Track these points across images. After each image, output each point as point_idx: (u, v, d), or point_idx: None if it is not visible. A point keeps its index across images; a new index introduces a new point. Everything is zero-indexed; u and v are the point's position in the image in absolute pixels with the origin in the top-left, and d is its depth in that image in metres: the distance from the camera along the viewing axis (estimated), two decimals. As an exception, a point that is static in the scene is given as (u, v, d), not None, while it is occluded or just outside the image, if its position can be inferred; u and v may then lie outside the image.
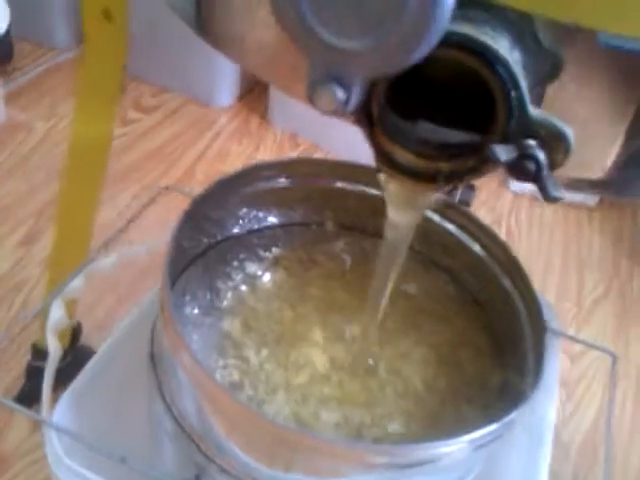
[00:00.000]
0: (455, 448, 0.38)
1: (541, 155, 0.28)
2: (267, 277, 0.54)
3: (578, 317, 1.15)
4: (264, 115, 1.41)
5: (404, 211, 0.36)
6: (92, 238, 0.66)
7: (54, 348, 0.56)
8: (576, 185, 0.39)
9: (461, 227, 0.54)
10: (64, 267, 0.66)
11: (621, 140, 0.34)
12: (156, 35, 1.34)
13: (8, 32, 1.33)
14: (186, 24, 0.40)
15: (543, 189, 0.27)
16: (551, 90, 0.32)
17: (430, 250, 0.56)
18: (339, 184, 0.57)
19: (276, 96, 1.36)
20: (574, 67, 0.32)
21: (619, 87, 0.33)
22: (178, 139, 1.31)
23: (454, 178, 0.31)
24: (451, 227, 0.54)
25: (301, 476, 0.40)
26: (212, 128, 1.36)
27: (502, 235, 1.35)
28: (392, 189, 0.34)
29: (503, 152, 0.27)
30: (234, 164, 1.28)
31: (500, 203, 1.34)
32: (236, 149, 1.31)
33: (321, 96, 0.28)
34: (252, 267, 0.54)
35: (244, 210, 0.55)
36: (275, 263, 0.55)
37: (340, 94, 0.28)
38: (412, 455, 0.37)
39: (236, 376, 0.45)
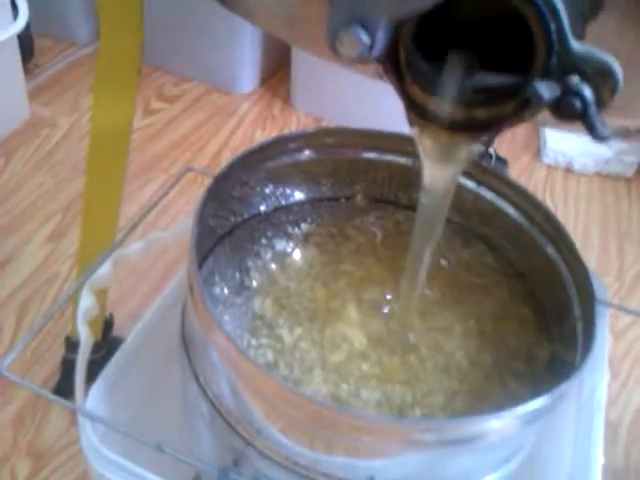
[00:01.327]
0: (504, 423, 0.36)
1: (587, 91, 0.25)
2: (297, 254, 0.52)
3: (620, 292, 1.11)
4: (287, 99, 1.39)
5: (441, 167, 0.34)
6: (120, 229, 0.65)
7: (85, 336, 0.55)
8: (624, 132, 0.36)
9: (498, 193, 0.51)
10: (92, 258, 0.65)
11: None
12: (176, 24, 1.33)
13: (28, 29, 1.32)
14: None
15: (591, 128, 0.25)
16: (593, 28, 0.30)
17: (466, 219, 0.54)
18: (367, 154, 0.54)
19: (299, 79, 1.34)
20: (616, 2, 0.29)
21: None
22: (202, 127, 1.30)
23: (492, 126, 0.29)
24: (487, 193, 0.52)
25: (343, 458, 0.38)
26: (235, 114, 1.34)
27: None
28: (426, 143, 0.32)
29: (546, 89, 0.24)
30: (259, 150, 1.26)
31: (534, 177, 1.30)
32: (260, 134, 1.30)
33: (344, 41, 0.26)
34: (281, 244, 0.52)
35: (270, 186, 0.53)
36: (305, 240, 0.53)
37: (364, 38, 0.26)
38: (460, 431, 0.35)
39: (270, 356, 0.44)
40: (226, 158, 1.22)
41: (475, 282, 0.51)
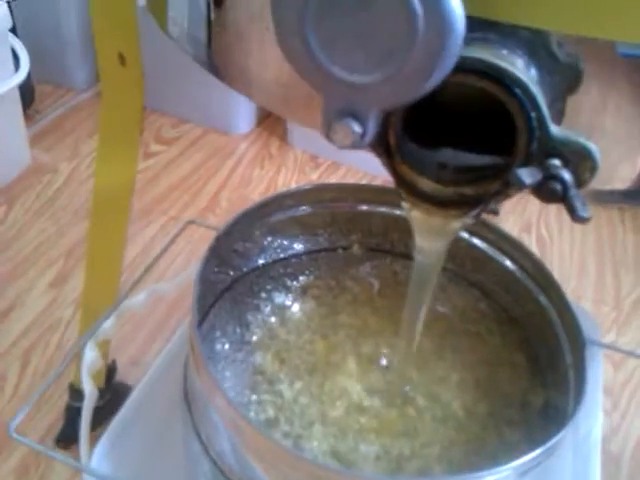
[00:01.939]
0: (500, 477, 0.37)
1: (567, 175, 0.27)
2: (296, 307, 0.53)
3: (618, 320, 1.12)
4: (284, 138, 1.42)
5: (431, 238, 0.35)
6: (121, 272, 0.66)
7: (90, 390, 0.56)
8: (601, 196, 0.38)
9: (490, 242, 0.53)
10: (95, 307, 0.66)
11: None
12: (172, 67, 1.35)
13: (29, 76, 1.35)
14: (200, 65, 0.41)
15: (572, 209, 0.26)
16: (572, 104, 0.32)
17: (460, 267, 0.55)
18: (363, 207, 0.56)
19: (294, 118, 1.36)
20: (593, 79, 0.31)
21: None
22: (201, 168, 1.32)
23: (479, 203, 0.31)
24: (480, 243, 0.53)
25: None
26: (233, 155, 1.37)
27: (533, 241, 1.32)
28: (417, 217, 0.34)
29: (527, 175, 0.26)
30: (257, 189, 1.28)
31: (528, 209, 1.32)
32: (258, 173, 1.32)
33: (337, 132, 0.27)
34: (280, 297, 0.53)
35: (269, 239, 0.54)
36: (303, 292, 0.54)
37: (356, 128, 0.27)
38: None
39: (271, 412, 0.45)
40: (225, 199, 1.24)
41: (469, 329, 0.52)
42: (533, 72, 0.29)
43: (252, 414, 0.45)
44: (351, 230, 0.57)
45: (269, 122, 1.47)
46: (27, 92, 1.36)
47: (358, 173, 1.35)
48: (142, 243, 1.10)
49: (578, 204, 0.26)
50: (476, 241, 0.54)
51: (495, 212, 1.19)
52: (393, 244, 0.57)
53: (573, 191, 0.27)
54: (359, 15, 0.24)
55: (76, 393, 0.79)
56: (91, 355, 0.56)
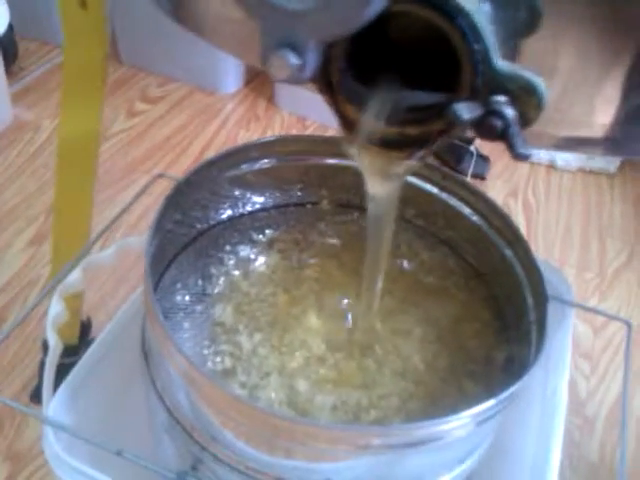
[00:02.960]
0: (455, 425, 0.37)
1: (508, 111, 0.26)
2: (261, 261, 0.52)
3: (601, 287, 1.12)
4: (271, 99, 1.40)
5: (380, 182, 0.34)
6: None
7: (54, 343, 0.56)
8: (572, 144, 0.37)
9: (460, 198, 0.52)
10: (64, 259, 0.65)
11: (618, 94, 0.32)
12: (159, 25, 1.33)
13: (12, 32, 1.33)
14: (165, 14, 0.39)
15: (511, 146, 0.26)
16: (530, 43, 0.30)
17: (429, 223, 0.54)
18: (333, 161, 0.55)
19: (282, 79, 1.34)
20: (553, 18, 0.30)
21: (606, 37, 0.31)
22: (186, 128, 1.30)
23: (424, 143, 0.30)
24: (449, 198, 0.52)
25: (299, 462, 0.39)
26: (219, 115, 1.35)
27: (519, 207, 1.31)
28: (363, 159, 0.33)
29: (466, 110, 0.25)
30: (243, 150, 1.27)
31: (517, 174, 1.31)
32: (244, 135, 1.30)
33: (274, 64, 0.26)
34: (245, 251, 0.53)
35: (235, 192, 0.53)
36: (269, 246, 0.53)
37: (293, 60, 0.26)
38: (409, 435, 0.36)
39: (228, 362, 0.44)
40: (209, 159, 1.23)
41: (437, 285, 0.52)
42: (487, 6, 0.28)
43: (209, 364, 0.44)
44: (321, 185, 0.56)
45: (256, 83, 1.45)
46: (10, 48, 1.33)
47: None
48: (124, 202, 1.08)
49: (518, 141, 0.25)
50: (446, 197, 0.53)
51: (482, 177, 1.19)
52: (363, 200, 0.56)
53: (514, 128, 0.26)
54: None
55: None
56: (56, 307, 0.56)
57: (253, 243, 0.53)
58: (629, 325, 0.56)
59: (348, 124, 0.30)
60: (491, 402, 0.37)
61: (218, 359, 0.44)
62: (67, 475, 0.43)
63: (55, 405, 0.46)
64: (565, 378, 0.53)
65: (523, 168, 1.33)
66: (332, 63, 0.28)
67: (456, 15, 0.25)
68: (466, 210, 0.52)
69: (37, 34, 1.46)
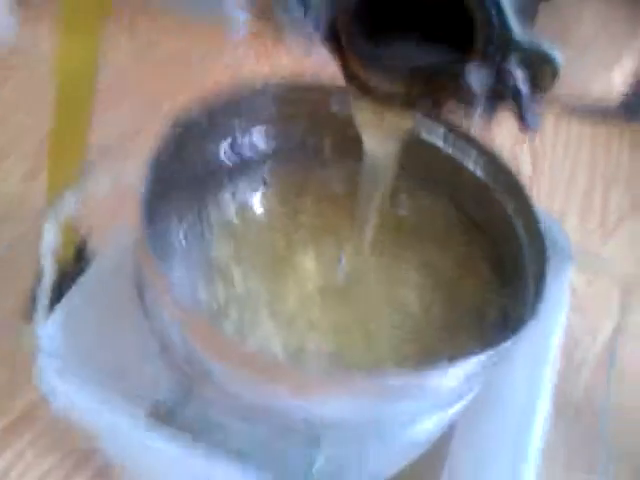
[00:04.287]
0: (445, 376, 0.37)
1: (521, 80, 0.24)
2: (259, 203, 0.52)
3: (602, 237, 1.11)
4: (280, 29, 1.35)
5: (380, 140, 0.33)
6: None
7: (48, 271, 0.56)
8: (586, 111, 0.36)
9: (462, 149, 0.51)
10: (60, 189, 0.65)
11: (635, 62, 0.31)
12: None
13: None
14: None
15: (521, 118, 0.24)
16: (547, 10, 0.29)
17: (430, 173, 0.53)
18: (339, 108, 0.54)
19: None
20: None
21: (626, 5, 0.29)
22: (188, 55, 1.26)
23: (431, 104, 0.28)
24: (452, 149, 0.51)
25: (286, 400, 0.39)
26: (225, 43, 1.31)
27: (525, 153, 1.29)
28: (365, 117, 0.31)
29: (477, 77, 0.24)
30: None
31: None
32: (249, 65, 1.26)
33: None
34: (244, 193, 0.52)
35: (236, 132, 0.52)
36: (268, 188, 0.53)
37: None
38: (399, 384, 0.36)
39: (222, 303, 0.44)
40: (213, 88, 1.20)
41: (435, 236, 0.51)
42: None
43: (203, 305, 0.44)
44: (323, 132, 0.55)
45: (267, 10, 1.39)
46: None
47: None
48: (122, 127, 1.06)
49: (529, 113, 0.24)
50: (449, 149, 0.52)
51: (489, 121, 1.17)
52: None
53: (526, 98, 0.25)
54: None
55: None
56: (50, 235, 0.55)
57: (252, 185, 0.52)
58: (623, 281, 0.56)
59: (353, 79, 0.29)
60: (482, 357, 0.37)
61: (212, 300, 0.44)
62: (59, 400, 0.43)
63: (48, 330, 0.46)
64: (558, 333, 0.53)
65: (532, 113, 1.30)
66: (339, 18, 0.26)
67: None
68: (470, 164, 0.51)
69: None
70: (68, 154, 0.63)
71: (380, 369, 0.43)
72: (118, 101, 1.12)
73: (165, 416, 0.40)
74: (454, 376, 0.38)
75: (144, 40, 1.30)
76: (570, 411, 0.86)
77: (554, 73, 0.25)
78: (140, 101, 1.14)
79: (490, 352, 0.36)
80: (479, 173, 0.50)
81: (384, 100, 0.29)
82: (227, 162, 0.52)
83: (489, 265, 0.50)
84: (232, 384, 0.39)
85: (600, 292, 1.01)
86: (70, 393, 0.42)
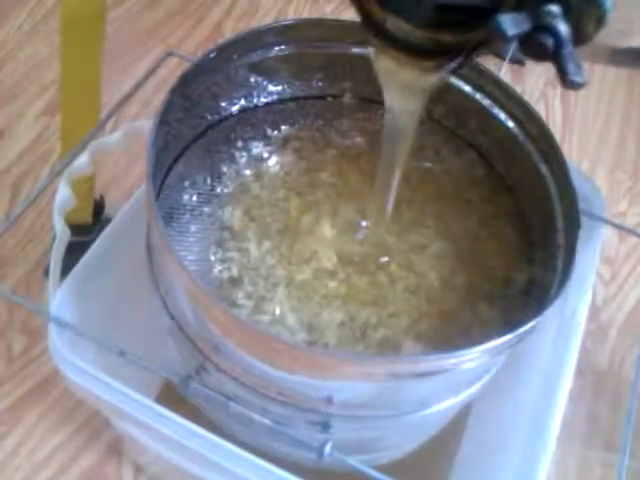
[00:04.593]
0: (466, 359, 0.35)
1: (562, 26, 0.21)
2: (274, 160, 0.49)
3: (632, 190, 1.07)
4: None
5: (401, 95, 0.30)
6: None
7: (60, 230, 0.54)
8: (631, 60, 0.32)
9: (495, 100, 0.47)
10: (72, 140, 0.62)
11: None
12: None
13: None
14: None
15: (563, 71, 0.21)
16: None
17: (459, 124, 0.50)
18: (359, 50, 0.50)
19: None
20: None
21: None
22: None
23: (459, 53, 0.25)
24: (484, 99, 0.48)
25: (301, 377, 0.38)
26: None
27: (557, 97, 1.23)
28: (385, 67, 0.28)
29: (511, 23, 0.21)
30: (265, 19, 1.18)
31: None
32: (266, 3, 1.21)
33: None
34: (258, 148, 0.49)
35: (251, 81, 0.49)
36: (284, 143, 0.50)
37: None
38: (417, 366, 0.34)
39: (235, 271, 0.42)
40: (229, 29, 1.15)
41: (460, 196, 0.48)
42: None
43: (215, 272, 0.42)
44: (345, 75, 0.51)
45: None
46: None
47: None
48: (136, 75, 1.03)
49: (571, 65, 0.21)
50: (480, 98, 0.48)
51: (521, 62, 1.10)
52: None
53: (567, 48, 0.21)
54: None
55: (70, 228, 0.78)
56: (63, 193, 0.53)
57: (267, 139, 0.50)
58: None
59: (372, 25, 0.26)
60: (508, 337, 0.35)
61: (225, 266, 0.42)
62: (70, 372, 0.42)
63: (60, 300, 0.45)
64: (587, 300, 0.51)
65: (565, 55, 1.23)
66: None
67: None
68: (501, 114, 0.48)
69: None
70: (80, 104, 0.60)
71: (396, 343, 0.41)
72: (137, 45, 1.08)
73: (176, 390, 0.38)
74: (475, 358, 0.36)
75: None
76: (592, 375, 0.84)
77: (601, 17, 0.22)
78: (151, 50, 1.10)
79: (515, 333, 0.34)
80: (510, 125, 0.46)
81: (404, 48, 0.26)
82: (241, 112, 0.49)
83: (515, 228, 0.47)
84: (244, 357, 0.38)
85: (633, 249, 0.97)
86: (80, 366, 0.41)
